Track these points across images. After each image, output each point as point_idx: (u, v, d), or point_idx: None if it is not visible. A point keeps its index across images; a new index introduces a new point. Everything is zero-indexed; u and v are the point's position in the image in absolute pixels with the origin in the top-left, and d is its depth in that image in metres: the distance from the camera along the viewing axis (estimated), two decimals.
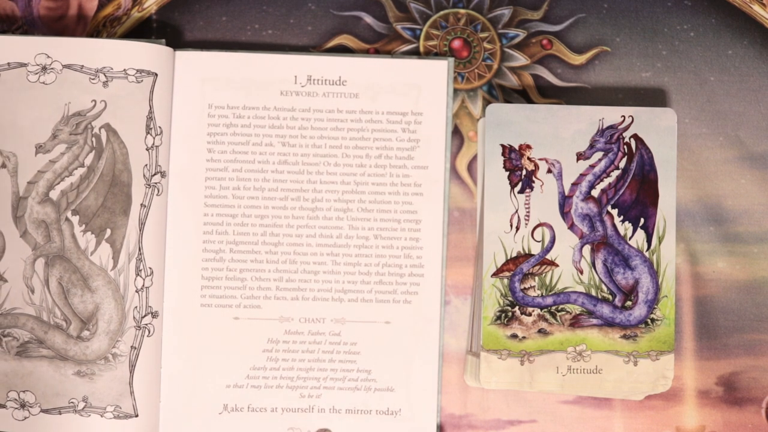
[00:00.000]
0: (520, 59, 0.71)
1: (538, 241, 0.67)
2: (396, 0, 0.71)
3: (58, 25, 0.70)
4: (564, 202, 0.67)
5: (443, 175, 0.68)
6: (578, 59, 0.71)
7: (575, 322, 0.67)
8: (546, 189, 0.67)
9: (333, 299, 0.68)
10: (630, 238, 0.67)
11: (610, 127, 0.67)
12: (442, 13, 0.71)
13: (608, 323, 0.66)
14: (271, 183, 0.68)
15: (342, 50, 0.70)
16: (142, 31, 0.70)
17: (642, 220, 0.67)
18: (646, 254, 0.67)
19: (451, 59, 0.69)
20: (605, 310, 0.67)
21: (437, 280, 0.68)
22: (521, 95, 0.70)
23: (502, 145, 0.67)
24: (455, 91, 0.70)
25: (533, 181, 0.67)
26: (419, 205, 0.68)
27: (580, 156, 0.67)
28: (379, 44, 0.70)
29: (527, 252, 0.67)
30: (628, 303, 0.67)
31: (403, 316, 0.67)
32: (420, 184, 0.68)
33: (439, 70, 0.68)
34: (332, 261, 0.68)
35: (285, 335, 0.67)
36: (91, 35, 0.70)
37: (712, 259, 0.70)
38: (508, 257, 0.67)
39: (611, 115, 0.67)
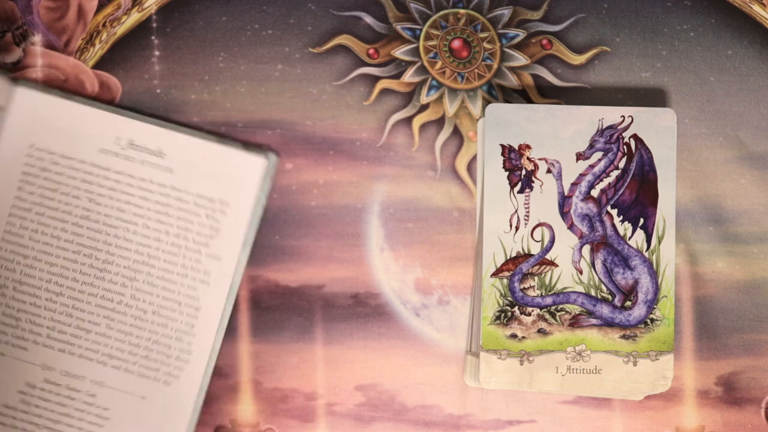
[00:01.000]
0: (520, 59, 0.71)
1: (538, 241, 0.67)
2: (396, 0, 0.71)
3: (58, 25, 0.70)
4: (563, 202, 0.67)
5: (234, 269, 0.68)
6: (578, 59, 0.71)
7: (575, 322, 0.67)
8: (545, 189, 0.67)
9: (98, 361, 0.68)
10: (629, 238, 0.67)
11: (610, 127, 0.67)
12: (441, 13, 0.71)
13: (608, 323, 0.66)
14: (69, 234, 0.68)
15: (161, 121, 0.69)
16: (141, 31, 0.70)
17: (641, 220, 0.67)
18: (646, 254, 0.67)
19: (273, 157, 0.69)
20: (605, 310, 0.67)
21: (201, 369, 0.68)
22: (521, 95, 0.70)
23: (502, 145, 0.67)
24: (456, 91, 0.70)
25: (533, 181, 0.67)
26: (203, 293, 0.68)
27: (579, 156, 0.67)
28: (379, 44, 0.71)
29: (527, 252, 0.67)
30: (628, 303, 0.67)
31: (159, 395, 0.68)
32: (209, 273, 0.68)
33: (256, 165, 0.68)
34: (107, 324, 0.68)
35: (43, 383, 0.67)
36: (90, 35, 0.70)
37: (712, 260, 0.70)
38: (508, 257, 0.67)
39: (611, 115, 0.67)
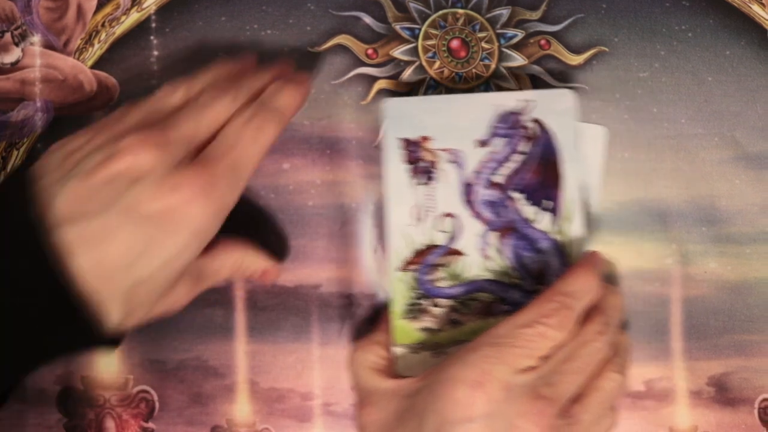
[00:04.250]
0: (518, 59, 0.71)
1: (444, 232, 0.66)
2: (395, 0, 0.71)
3: (57, 25, 0.70)
4: (467, 190, 0.66)
5: None
6: (576, 59, 0.71)
7: (487, 311, 0.66)
8: (448, 179, 0.67)
9: None
10: (536, 222, 0.66)
11: (509, 112, 0.66)
12: (440, 12, 0.71)
13: (520, 308, 0.65)
14: None
15: None
16: (141, 31, 0.70)
17: (547, 202, 0.66)
18: (554, 236, 0.66)
19: None
20: (516, 295, 0.66)
21: None
22: None
23: (401, 139, 0.67)
24: (453, 91, 0.70)
25: (435, 172, 0.66)
26: None
27: (480, 143, 0.67)
28: (378, 44, 0.71)
29: (433, 244, 0.66)
30: (539, 287, 0.66)
31: None
32: None
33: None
34: None
35: None
36: (89, 35, 0.70)
37: (704, 260, 0.70)
38: (415, 250, 0.66)
39: (510, 100, 0.67)
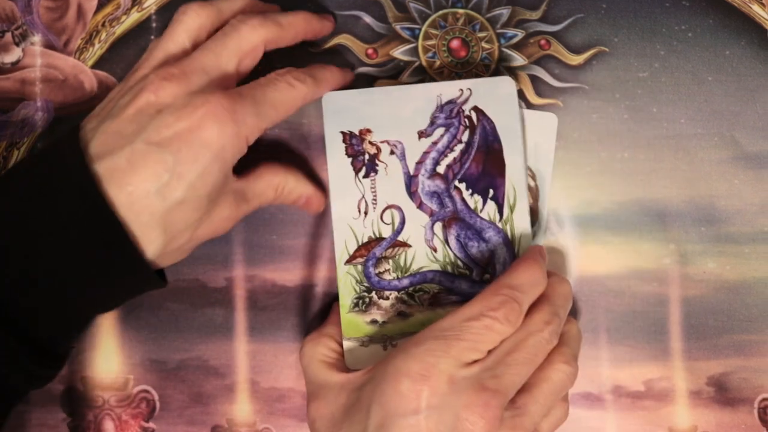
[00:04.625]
0: (518, 59, 0.71)
1: (388, 224, 0.66)
2: (395, 0, 0.71)
3: (57, 25, 0.70)
4: (410, 182, 0.67)
5: None
6: (576, 59, 0.71)
7: (434, 301, 0.66)
8: (390, 171, 0.67)
9: None
10: (481, 211, 0.66)
11: (449, 102, 0.67)
12: (441, 12, 0.71)
13: (468, 298, 0.63)
14: None
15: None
16: (141, 31, 0.70)
17: (491, 191, 0.66)
18: (499, 225, 0.66)
19: None
20: (464, 285, 0.66)
21: None
22: (519, 96, 0.70)
23: (342, 132, 0.67)
24: None
25: (377, 165, 0.67)
26: None
27: (421, 134, 0.67)
28: (378, 44, 0.71)
29: (378, 236, 0.66)
30: (486, 276, 0.66)
31: None
32: None
33: None
34: None
35: None
36: (90, 35, 0.70)
37: (703, 260, 0.70)
38: (360, 243, 0.66)
39: (449, 90, 0.67)
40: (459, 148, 0.66)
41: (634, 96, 0.71)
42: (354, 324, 0.66)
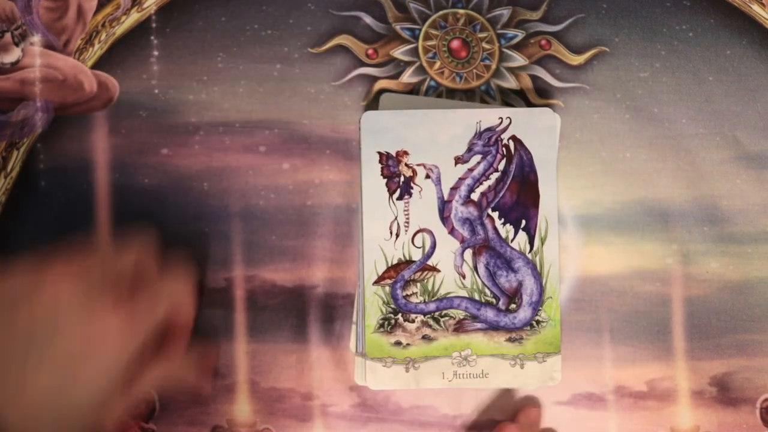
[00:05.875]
0: (519, 60, 0.71)
1: (419, 248, 0.67)
2: (395, 0, 0.71)
3: (57, 25, 0.70)
4: (443, 207, 0.67)
5: None
6: (577, 59, 0.71)
7: (459, 327, 0.67)
8: (425, 195, 0.67)
9: None
10: (512, 241, 0.67)
11: (488, 129, 0.67)
12: (441, 13, 0.71)
13: (493, 327, 0.65)
14: None
15: None
16: (141, 31, 0.70)
17: (523, 222, 0.67)
18: (529, 256, 0.67)
19: None
20: (489, 313, 0.67)
21: None
22: (519, 96, 0.70)
23: (379, 153, 0.67)
24: (454, 91, 0.70)
25: (412, 188, 0.67)
26: None
27: (458, 160, 0.67)
28: (378, 44, 0.71)
29: (408, 259, 0.67)
30: (513, 306, 0.67)
31: None
32: None
33: None
34: None
35: None
36: (90, 35, 0.70)
37: (706, 260, 0.70)
38: (389, 264, 0.67)
39: (488, 117, 0.67)
40: (495, 176, 0.67)
41: (635, 96, 0.71)
42: (378, 344, 0.66)
